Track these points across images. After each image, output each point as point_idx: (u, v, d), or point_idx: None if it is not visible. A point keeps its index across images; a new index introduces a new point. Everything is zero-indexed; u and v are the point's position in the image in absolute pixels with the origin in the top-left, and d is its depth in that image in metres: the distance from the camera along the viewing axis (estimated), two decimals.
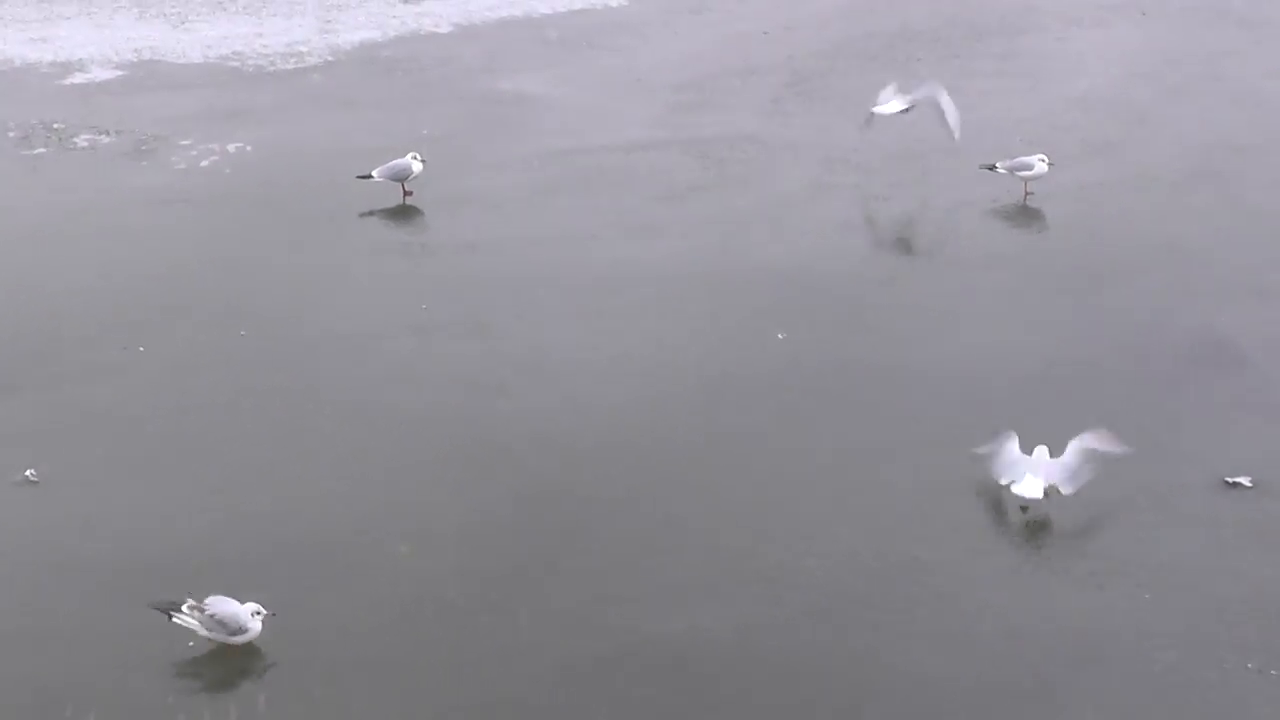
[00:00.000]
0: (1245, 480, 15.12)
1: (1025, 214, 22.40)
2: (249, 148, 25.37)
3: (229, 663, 12.74)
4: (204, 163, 24.74)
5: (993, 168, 22.64)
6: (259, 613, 12.76)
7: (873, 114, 23.86)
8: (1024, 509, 14.57)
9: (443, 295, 19.64)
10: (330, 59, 31.16)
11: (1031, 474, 14.59)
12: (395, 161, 22.76)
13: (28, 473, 15.34)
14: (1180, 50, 31.37)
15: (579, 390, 17.09)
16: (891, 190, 23.28)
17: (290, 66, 30.59)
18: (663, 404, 16.79)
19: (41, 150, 25.54)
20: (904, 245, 21.34)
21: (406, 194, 22.85)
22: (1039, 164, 22.46)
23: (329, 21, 33.98)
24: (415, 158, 22.72)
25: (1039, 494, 14.49)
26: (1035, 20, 33.83)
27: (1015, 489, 14.57)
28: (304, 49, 31.78)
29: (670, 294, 19.63)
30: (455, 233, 21.84)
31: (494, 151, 25.14)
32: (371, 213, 22.46)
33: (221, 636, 12.76)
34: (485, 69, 30.41)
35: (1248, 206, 22.55)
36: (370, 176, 22.64)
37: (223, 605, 12.76)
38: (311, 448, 15.99)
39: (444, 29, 33.64)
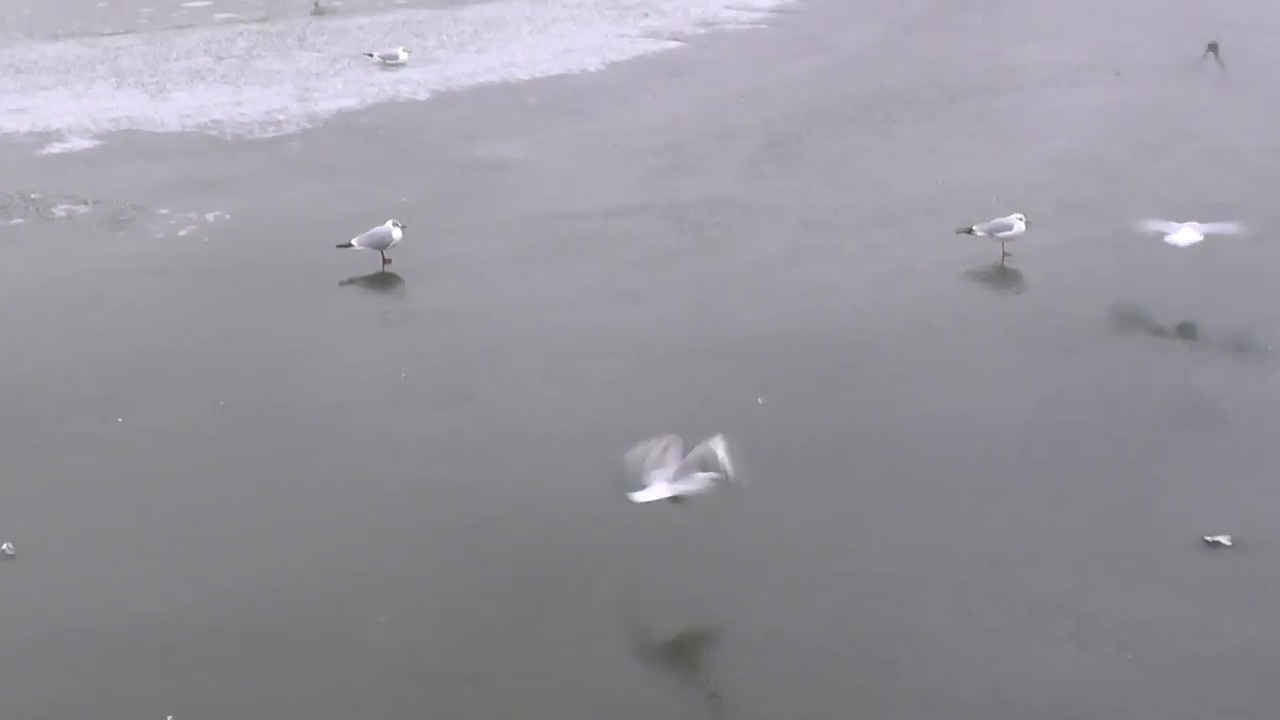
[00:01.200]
0: (1225, 539, 15.16)
1: (1003, 275, 22.50)
2: (228, 216, 25.42)
3: None
4: (182, 232, 24.78)
5: (970, 231, 22.74)
6: None
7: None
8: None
9: (422, 364, 19.66)
10: (309, 127, 31.26)
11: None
12: (375, 229, 22.82)
13: (4, 546, 15.28)
14: (1155, 109, 31.61)
15: (559, 457, 17.09)
16: (870, 252, 23.38)
17: (269, 135, 30.69)
18: None
19: (19, 221, 25.58)
20: (883, 308, 21.40)
21: (386, 262, 22.91)
22: (1018, 224, 22.57)
23: (307, 89, 34.11)
24: (395, 225, 22.79)
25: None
26: (1010, 81, 34.09)
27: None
28: (282, 117, 31.88)
29: (649, 359, 19.67)
30: (434, 300, 21.88)
31: (473, 218, 25.22)
32: (351, 281, 22.50)
33: None
34: (464, 135, 30.53)
35: (1226, 265, 22.64)
36: (350, 245, 22.70)
37: None
38: (291, 519, 15.95)
39: (422, 95, 33.79)
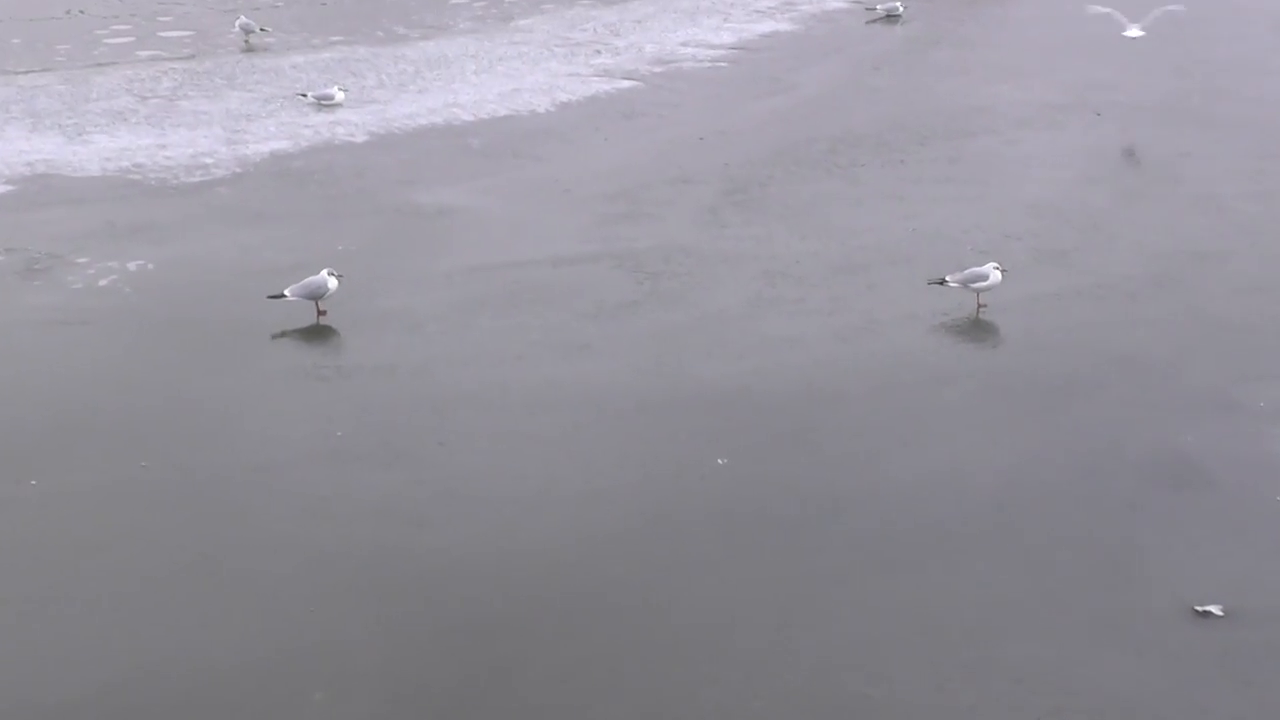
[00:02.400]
0: (1216, 609, 15.22)
1: (976, 328, 22.61)
2: (151, 266, 25.34)
3: None
4: (103, 282, 24.69)
5: (942, 282, 22.84)
6: None
7: None
8: None
9: (359, 421, 19.62)
10: (238, 171, 31.23)
11: None
12: (310, 279, 22.80)
13: None
14: (1137, 152, 31.87)
15: (505, 522, 17.06)
16: (835, 304, 23.45)
17: (195, 179, 30.64)
18: (595, 535, 16.79)
19: None
20: (849, 363, 21.44)
21: (321, 313, 22.89)
22: (993, 274, 22.67)
23: (237, 131, 34.09)
24: (331, 274, 22.78)
25: None
26: (984, 122, 34.32)
27: None
28: (210, 161, 31.85)
29: (602, 417, 19.68)
30: (372, 354, 21.84)
31: (413, 268, 25.20)
32: (283, 334, 22.45)
33: None
34: (404, 180, 30.54)
35: (1211, 317, 22.81)
36: (283, 296, 22.68)
37: None
38: (219, 588, 15.87)
39: (359, 138, 33.80)
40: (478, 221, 27.82)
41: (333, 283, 22.74)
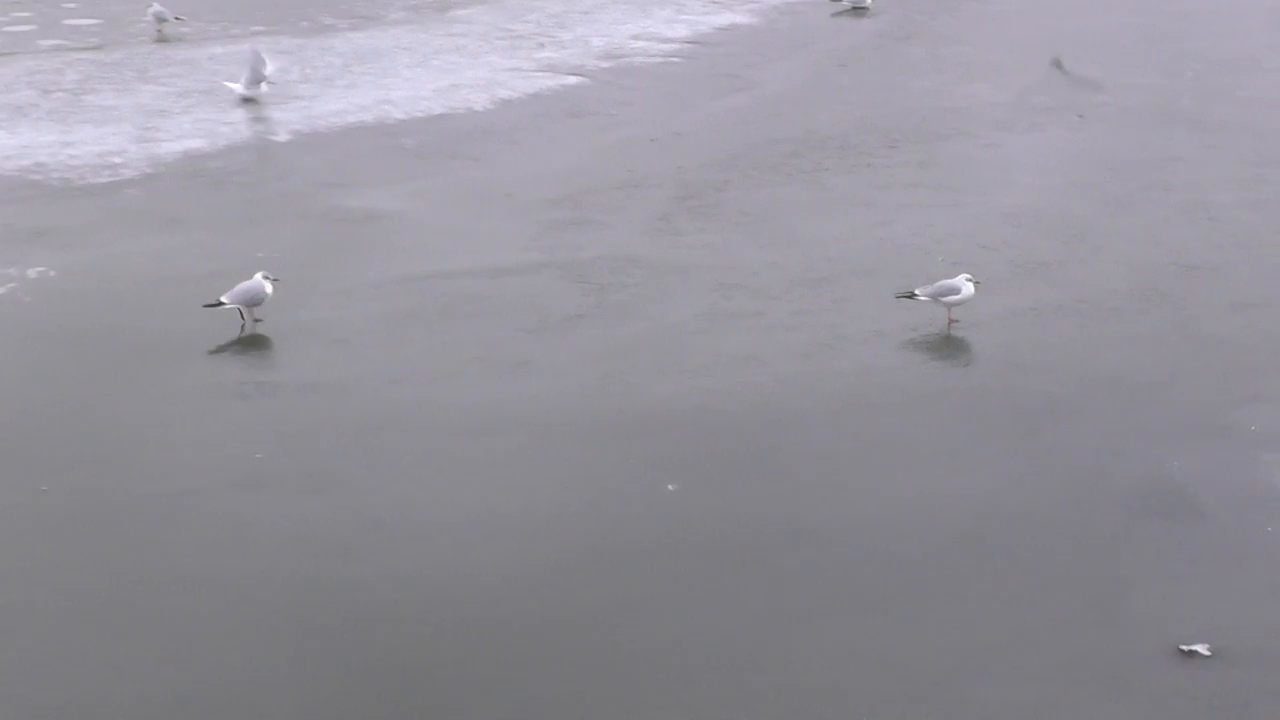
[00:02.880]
0: (1203, 648, 15.29)
1: (949, 345, 22.68)
2: (53, 273, 25.24)
3: None
4: (0, 290, 24.58)
5: (912, 295, 22.90)
6: None
7: None
8: None
9: (280, 443, 19.57)
10: (150, 172, 31.12)
11: None
12: (246, 285, 22.85)
13: None
14: (1123, 157, 32.01)
15: (439, 553, 17.03)
16: (797, 319, 23.49)
17: (103, 180, 30.52)
18: (536, 568, 16.77)
19: None
20: (813, 382, 21.48)
21: (255, 321, 22.93)
22: (966, 287, 22.74)
23: (149, 129, 33.98)
24: (267, 278, 22.83)
25: None
26: (958, 124, 34.44)
27: None
28: (119, 160, 31.74)
29: (544, 440, 19.67)
30: (295, 370, 21.79)
31: (341, 277, 25.16)
32: (199, 348, 22.37)
33: None
34: (331, 183, 30.49)
35: (1202, 334, 22.92)
36: (220, 304, 22.69)
37: None
38: (126, 625, 15.80)
39: (283, 137, 33.74)
40: (411, 228, 27.78)
41: (269, 287, 22.77)
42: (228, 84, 36.57)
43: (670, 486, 18.49)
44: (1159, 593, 16.36)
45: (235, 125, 34.32)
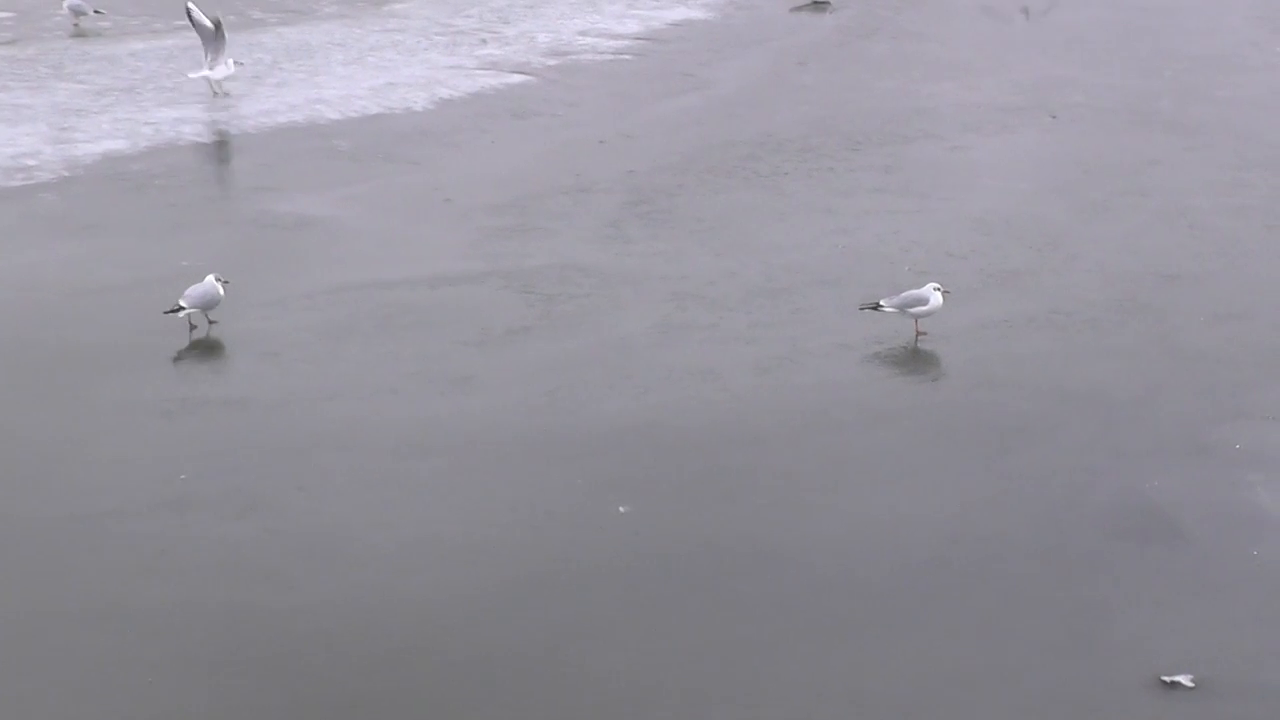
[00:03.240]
0: (1185, 679, 15.34)
1: (916, 359, 22.73)
2: None
3: None
4: None
5: (876, 306, 22.94)
6: None
7: None
8: None
9: (206, 463, 19.50)
10: (66, 175, 30.99)
11: None
12: (199, 287, 23.04)
13: None
14: (1098, 160, 32.14)
15: (376, 580, 16.99)
16: (755, 331, 23.51)
17: (15, 184, 30.39)
18: (479, 596, 16.74)
19: None
20: (772, 398, 21.51)
21: (211, 323, 23.15)
22: (934, 297, 22.78)
23: (65, 129, 33.84)
24: (219, 280, 22.99)
25: None
26: (925, 126, 34.54)
27: None
28: (33, 162, 31.61)
29: (487, 460, 19.64)
30: (222, 386, 21.73)
31: (271, 287, 25.08)
32: (119, 362, 22.28)
33: None
34: (260, 187, 30.41)
35: (1183, 347, 23.01)
36: (180, 309, 22.84)
37: None
38: (36, 659, 15.71)
39: (208, 138, 33.64)
40: (345, 235, 27.72)
41: (221, 289, 22.93)
42: (192, 75, 36.55)
43: (621, 508, 18.48)
44: (1139, 620, 16.41)
45: (158, 126, 34.19)
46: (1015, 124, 34.80)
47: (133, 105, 35.65)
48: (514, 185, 30.35)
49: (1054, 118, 35.18)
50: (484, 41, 42.54)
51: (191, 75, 36.48)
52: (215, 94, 35.76)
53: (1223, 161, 31.99)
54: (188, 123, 34.48)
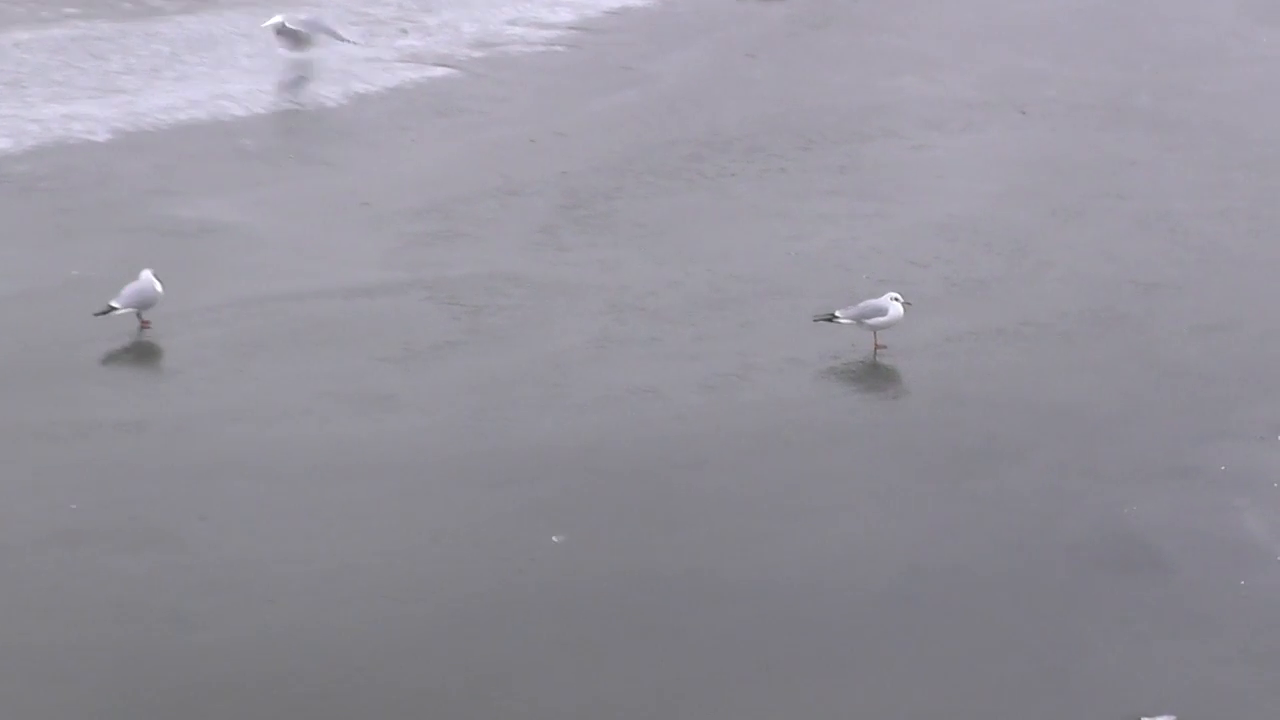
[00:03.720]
0: None
1: (875, 375, 22.80)
2: None
3: None
4: None
5: (832, 318, 23.01)
6: None
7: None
8: None
9: (100, 492, 19.44)
10: None
11: None
12: (135, 286, 23.20)
13: None
14: (1072, 160, 32.30)
15: (287, 617, 16.96)
16: (701, 346, 23.56)
17: None
18: (401, 634, 16.73)
19: None
20: (719, 418, 21.54)
21: (143, 326, 23.33)
22: (893, 307, 22.85)
23: None
24: (155, 275, 23.18)
25: None
26: (884, 123, 34.65)
27: None
28: None
29: (409, 486, 19.63)
30: (118, 407, 21.65)
31: (171, 299, 24.96)
32: (3, 382, 22.21)
33: None
34: (158, 190, 30.33)
35: (1164, 362, 23.15)
36: (112, 309, 22.95)
37: None
38: None
39: (101, 137, 33.54)
40: (253, 242, 27.67)
41: (159, 286, 23.15)
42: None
43: (555, 538, 18.49)
44: (1117, 657, 16.49)
45: (45, 123, 34.08)
46: (981, 121, 34.94)
47: (17, 101, 35.49)
48: (437, 188, 30.35)
49: (1023, 114, 35.35)
50: (404, 31, 42.52)
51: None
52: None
53: (1205, 162, 32.19)
54: (79, 119, 34.37)
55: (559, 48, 41.32)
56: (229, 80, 37.42)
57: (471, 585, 17.62)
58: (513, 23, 43.65)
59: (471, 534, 18.62)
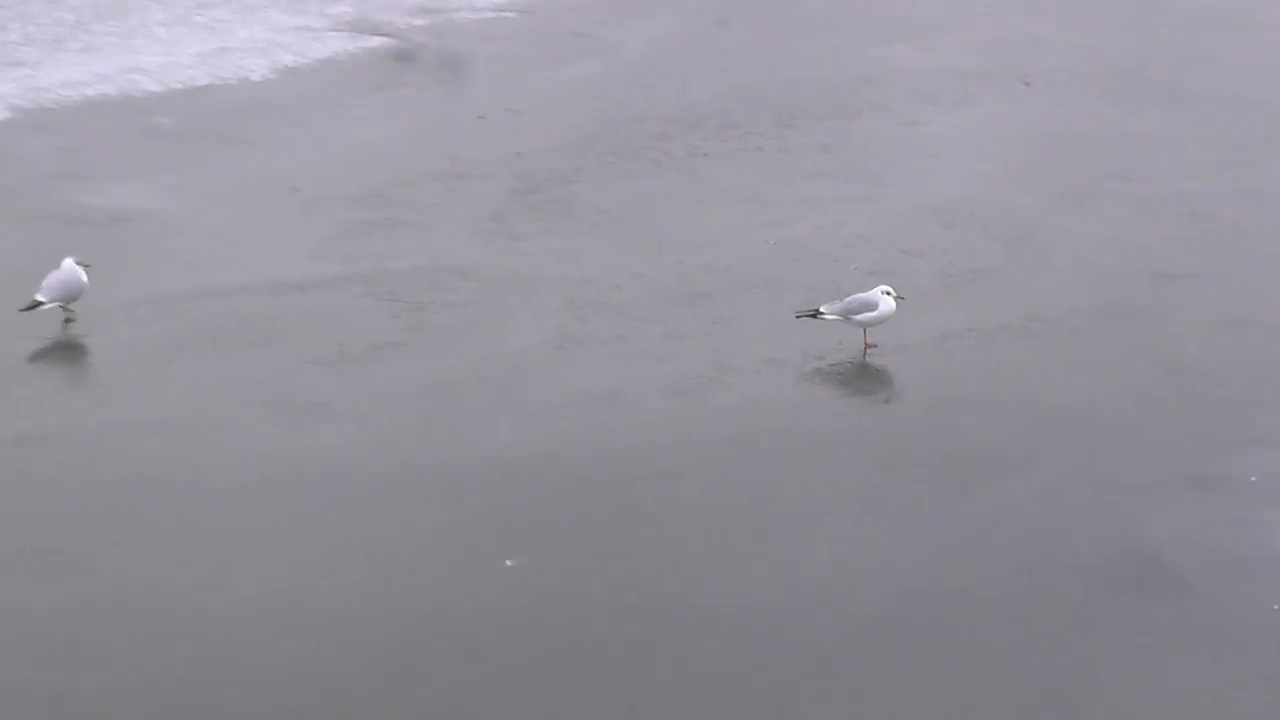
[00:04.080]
0: None
1: (864, 376, 22.82)
2: None
3: None
4: None
5: (816, 314, 23.01)
6: None
7: None
8: None
9: None
10: None
11: None
12: (58, 276, 23.43)
13: None
14: (1078, 137, 32.39)
15: (208, 652, 16.91)
16: (670, 345, 23.57)
17: None
18: (337, 667, 16.68)
19: None
20: (690, 424, 21.55)
21: (69, 320, 23.62)
22: (884, 301, 22.86)
23: None
24: (80, 264, 23.45)
25: None
26: (874, 97, 34.73)
27: None
28: None
29: (346, 503, 19.61)
30: (20, 419, 21.61)
31: (79, 297, 25.00)
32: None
33: None
34: (65, 174, 30.32)
35: (1179, 360, 23.20)
36: (39, 305, 23.27)
37: None
38: None
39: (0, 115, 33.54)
40: (169, 231, 27.66)
41: (84, 275, 23.37)
42: None
43: (509, 561, 18.47)
44: (1132, 687, 16.50)
45: None
46: (980, 93, 35.05)
47: None
48: (375, 170, 30.38)
49: (1026, 85, 35.46)
50: None
51: None
52: None
53: (1226, 138, 32.31)
54: None
55: (509, 14, 41.40)
56: (141, 51, 37.48)
57: (416, 612, 17.57)
58: None
59: (416, 557, 18.58)
